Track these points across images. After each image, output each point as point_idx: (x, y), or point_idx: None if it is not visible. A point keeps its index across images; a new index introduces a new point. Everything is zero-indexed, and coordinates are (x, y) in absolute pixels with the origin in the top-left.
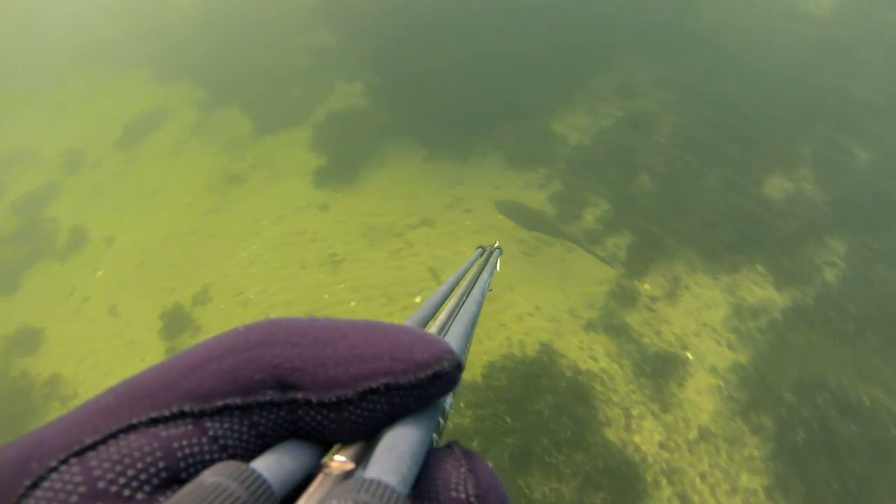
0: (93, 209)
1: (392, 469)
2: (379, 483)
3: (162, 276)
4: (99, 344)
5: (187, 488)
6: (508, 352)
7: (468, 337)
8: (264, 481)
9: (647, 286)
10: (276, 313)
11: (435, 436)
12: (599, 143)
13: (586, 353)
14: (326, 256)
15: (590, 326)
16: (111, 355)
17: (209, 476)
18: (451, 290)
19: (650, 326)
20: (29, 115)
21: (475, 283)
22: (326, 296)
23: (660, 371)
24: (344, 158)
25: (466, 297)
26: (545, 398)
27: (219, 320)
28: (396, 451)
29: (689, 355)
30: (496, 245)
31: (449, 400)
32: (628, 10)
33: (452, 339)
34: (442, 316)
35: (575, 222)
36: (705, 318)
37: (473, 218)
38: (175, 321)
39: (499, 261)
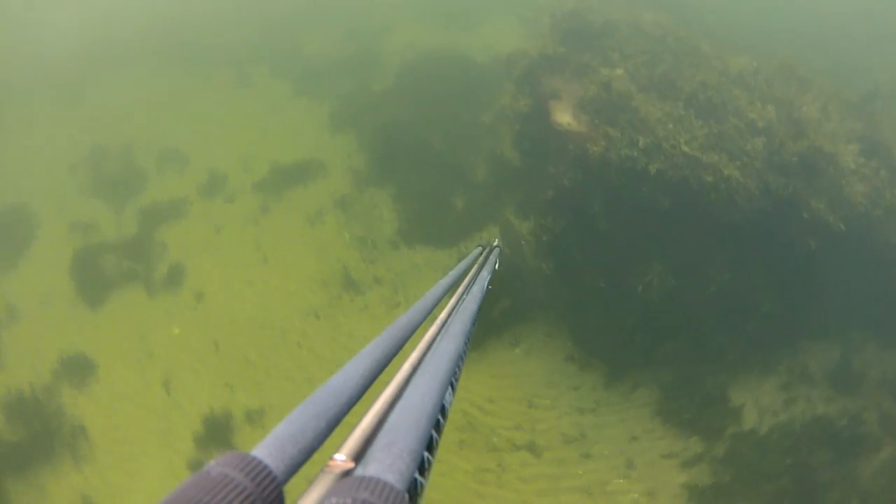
0: (202, 251)
1: (391, 467)
2: (378, 481)
3: (229, 366)
4: (137, 413)
5: (193, 479)
6: None
7: (467, 335)
8: (270, 471)
9: None
10: None
11: (434, 434)
12: (779, 443)
13: None
14: None
15: None
16: (142, 435)
17: (215, 467)
18: (452, 287)
19: None
20: (201, 112)
21: (475, 280)
22: None
23: None
24: (480, 319)
25: (466, 295)
26: None
27: None
28: (395, 449)
29: None
30: (496, 243)
31: (449, 399)
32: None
33: (451, 338)
34: (442, 314)
35: None
36: None
37: (588, 468)
38: (215, 433)
39: (497, 259)
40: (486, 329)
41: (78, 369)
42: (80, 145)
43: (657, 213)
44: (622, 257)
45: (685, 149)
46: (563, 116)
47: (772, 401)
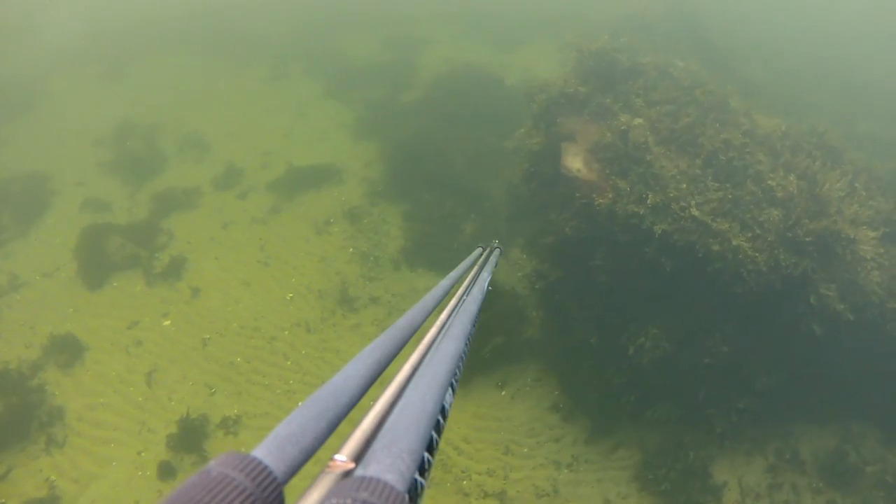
0: (206, 246)
1: (391, 467)
2: (378, 481)
3: (214, 368)
4: (115, 401)
5: (193, 479)
6: None
7: (467, 336)
8: (270, 472)
9: None
10: None
11: (434, 435)
12: None
13: None
14: None
15: None
16: (116, 424)
17: (215, 466)
18: (452, 288)
19: None
20: (230, 101)
21: (475, 281)
22: None
23: None
24: (470, 355)
25: (466, 296)
26: None
27: None
28: (395, 449)
29: None
30: (496, 244)
31: (449, 399)
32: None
33: (451, 339)
34: (442, 315)
35: None
36: None
37: None
38: (188, 436)
39: (497, 260)
40: (474, 367)
41: (67, 349)
42: (109, 119)
43: (658, 274)
44: (617, 315)
45: (695, 212)
46: (574, 162)
47: (756, 482)
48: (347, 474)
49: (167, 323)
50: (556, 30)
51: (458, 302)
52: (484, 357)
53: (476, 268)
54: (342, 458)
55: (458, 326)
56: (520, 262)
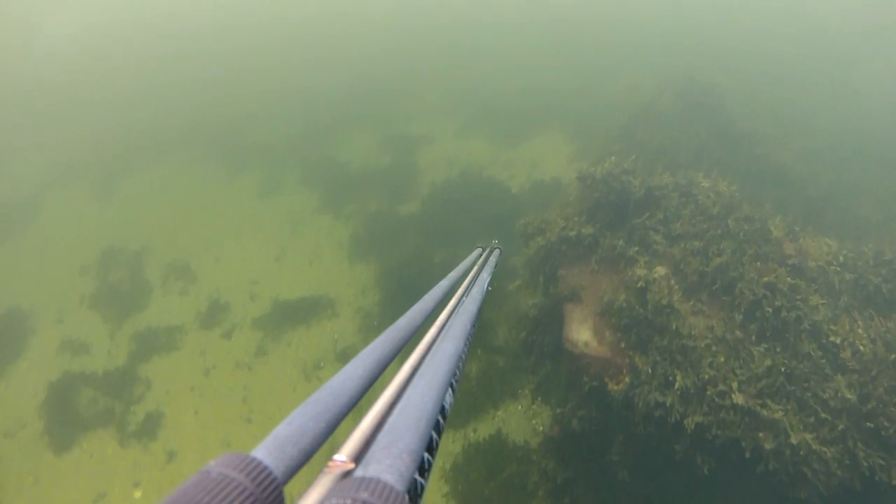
0: (184, 397)
1: (390, 467)
2: (378, 481)
3: None
4: None
5: (194, 479)
6: None
7: (467, 336)
8: (270, 472)
9: None
10: None
11: (434, 435)
12: None
13: None
14: None
15: None
16: None
17: (215, 467)
18: (451, 288)
19: None
20: (218, 221)
21: (475, 282)
22: None
23: None
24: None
25: (466, 297)
26: None
27: None
28: (395, 450)
29: None
30: (496, 244)
31: (449, 399)
32: None
33: (451, 339)
34: (442, 315)
35: None
36: None
37: None
38: None
39: (497, 260)
40: None
41: None
42: (97, 243)
43: (693, 473)
44: None
45: (737, 399)
46: (581, 332)
47: None
48: (347, 474)
49: (138, 495)
50: (562, 123)
51: (458, 302)
52: None
53: (476, 268)
54: (342, 459)
55: (458, 327)
56: (533, 409)
